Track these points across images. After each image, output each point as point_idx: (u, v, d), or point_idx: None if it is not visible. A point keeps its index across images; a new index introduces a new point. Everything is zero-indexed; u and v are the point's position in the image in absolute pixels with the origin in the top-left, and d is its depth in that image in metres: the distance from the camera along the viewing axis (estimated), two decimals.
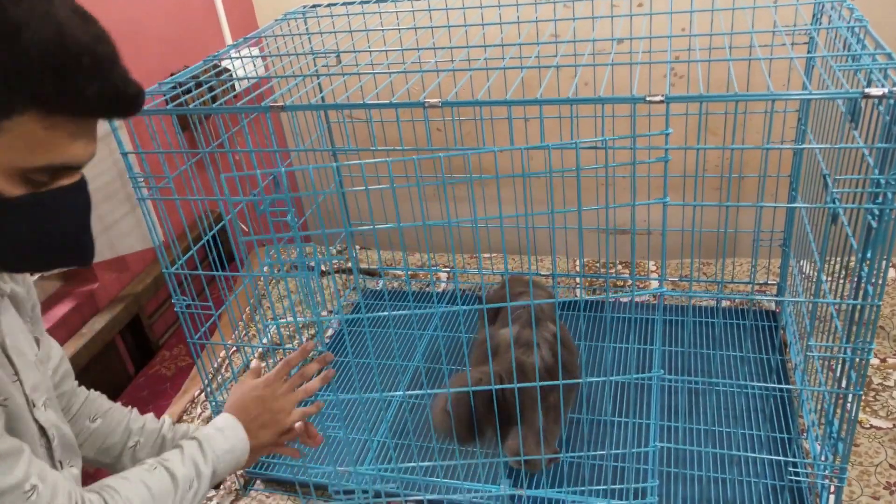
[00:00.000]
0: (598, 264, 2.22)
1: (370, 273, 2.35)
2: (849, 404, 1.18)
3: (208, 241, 1.50)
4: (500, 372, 1.39)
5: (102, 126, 1.74)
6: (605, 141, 0.98)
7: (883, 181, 0.98)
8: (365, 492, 1.47)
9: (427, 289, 2.25)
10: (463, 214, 2.44)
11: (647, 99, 0.97)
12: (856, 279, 1.11)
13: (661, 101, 0.96)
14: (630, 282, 2.12)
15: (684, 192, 1.91)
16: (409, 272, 2.30)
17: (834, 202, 1.26)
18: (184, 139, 2.03)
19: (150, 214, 1.30)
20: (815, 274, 1.44)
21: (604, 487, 1.43)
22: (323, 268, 2.34)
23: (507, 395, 1.36)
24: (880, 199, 1.01)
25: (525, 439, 1.40)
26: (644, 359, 1.81)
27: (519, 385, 1.21)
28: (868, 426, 1.58)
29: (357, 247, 2.42)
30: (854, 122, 1.20)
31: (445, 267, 2.32)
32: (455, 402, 1.35)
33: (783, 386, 1.64)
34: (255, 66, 1.56)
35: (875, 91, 0.90)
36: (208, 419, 1.78)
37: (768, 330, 1.86)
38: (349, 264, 2.38)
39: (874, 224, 1.03)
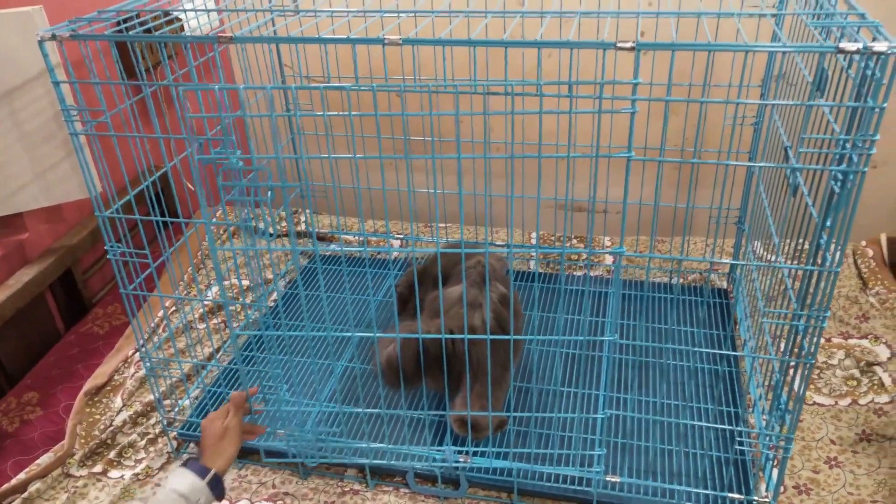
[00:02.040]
0: (553, 238, 2.20)
1: (322, 238, 2.28)
2: (797, 376, 1.18)
3: (150, 193, 1.41)
4: (451, 327, 1.35)
5: (39, 63, 1.63)
6: (571, 86, 0.94)
7: (849, 143, 0.96)
8: (306, 457, 1.41)
9: (381, 256, 2.19)
10: (419, 183, 2.38)
11: (618, 45, 0.93)
12: (814, 247, 1.10)
13: (632, 49, 0.92)
14: (586, 254, 2.10)
15: (644, 167, 1.90)
16: (363, 238, 2.23)
17: (795, 172, 1.25)
18: (129, 88, 1.92)
19: (82, 151, 1.20)
20: (771, 248, 1.43)
21: (550, 451, 1.40)
22: (271, 230, 2.26)
23: (457, 350, 1.33)
24: (844, 164, 0.99)
25: (471, 404, 1.36)
26: (597, 330, 1.79)
27: (469, 336, 1.17)
28: (811, 402, 1.59)
29: (308, 211, 2.34)
30: (820, 91, 1.19)
31: (397, 235, 2.27)
32: (403, 350, 1.31)
33: (733, 353, 1.64)
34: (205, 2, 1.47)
35: (850, 46, 0.87)
36: (142, 380, 1.70)
37: (720, 307, 1.86)
38: (299, 227, 2.30)
39: (837, 189, 1.01)
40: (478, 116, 2.12)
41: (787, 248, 1.30)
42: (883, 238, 2.04)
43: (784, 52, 1.38)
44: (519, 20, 1.30)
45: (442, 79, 1.77)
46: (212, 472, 1.12)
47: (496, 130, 2.27)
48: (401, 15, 1.08)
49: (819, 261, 1.07)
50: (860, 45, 0.88)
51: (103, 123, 1.20)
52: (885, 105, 0.90)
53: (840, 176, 1.00)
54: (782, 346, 1.24)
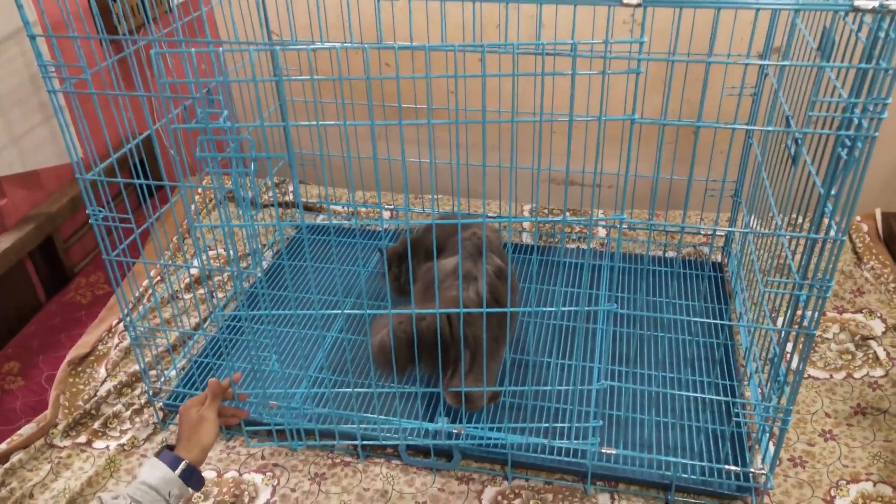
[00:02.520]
0: (546, 210, 2.17)
1: (310, 208, 2.24)
2: (797, 348, 1.16)
3: (133, 159, 1.36)
4: (443, 316, 1.31)
5: (12, 22, 1.56)
6: (574, 45, 0.90)
7: (858, 107, 0.93)
8: (295, 431, 1.38)
9: (373, 227, 2.15)
10: (411, 154, 2.33)
11: (624, 2, 0.89)
12: (818, 216, 1.07)
13: (638, 5, 0.88)
14: (583, 225, 2.08)
15: (640, 141, 1.86)
16: (353, 208, 2.19)
17: (796, 142, 1.22)
18: (109, 49, 1.85)
19: (62, 112, 1.15)
20: (767, 222, 1.41)
21: (545, 425, 1.38)
22: (260, 200, 2.21)
23: (453, 333, 1.30)
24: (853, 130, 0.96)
25: (465, 378, 1.33)
26: (593, 302, 1.77)
27: (465, 311, 1.13)
28: (806, 376, 1.58)
29: (294, 181, 2.29)
30: (825, 57, 1.15)
31: (387, 206, 2.22)
32: (396, 335, 1.28)
33: (733, 324, 1.63)
34: None
35: (865, 4, 0.84)
36: (126, 350, 1.66)
37: (715, 280, 1.84)
38: (286, 198, 2.26)
39: (844, 155, 0.99)
40: (473, 81, 2.07)
41: (785, 221, 1.28)
42: (877, 213, 2.02)
43: (794, 10, 1.33)
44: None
45: (436, 42, 1.71)
46: (183, 464, 1.08)
47: (491, 98, 2.22)
48: None
49: (823, 230, 1.05)
50: (876, 4, 0.84)
51: (83, 81, 1.15)
52: None
53: (848, 142, 0.97)
54: (781, 318, 1.22)
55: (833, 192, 1.04)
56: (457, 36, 1.92)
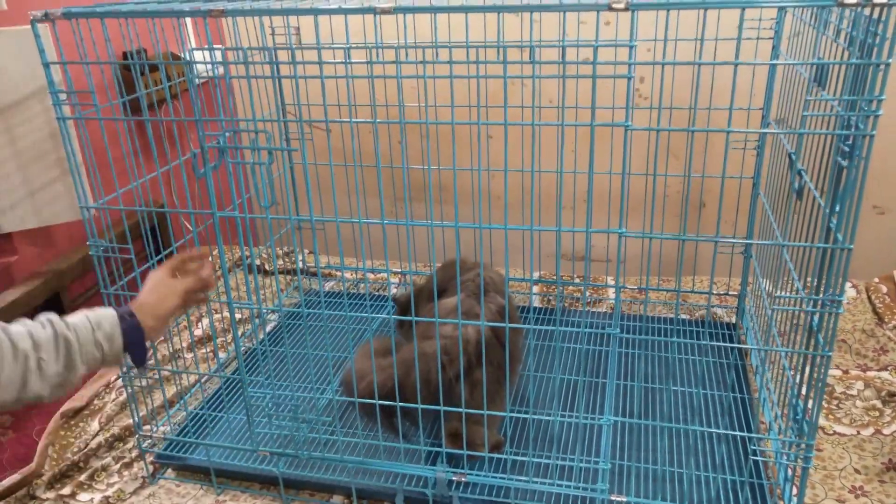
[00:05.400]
0: (553, 277, 2.14)
1: (315, 274, 2.23)
2: (814, 372, 1.10)
3: (145, 227, 1.37)
4: (445, 342, 1.26)
5: (36, 80, 1.64)
6: (563, 46, 0.92)
7: (856, 104, 0.92)
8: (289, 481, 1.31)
9: (379, 292, 2.13)
10: (418, 231, 2.34)
11: (612, 6, 0.91)
12: (824, 231, 1.04)
13: (626, 9, 0.91)
14: (587, 289, 2.04)
15: (644, 211, 1.86)
16: (361, 272, 2.18)
17: (800, 175, 1.21)
18: (133, 127, 1.92)
19: (69, 139, 1.18)
20: (780, 286, 1.38)
21: (550, 462, 1.29)
22: (267, 267, 2.22)
23: (450, 380, 1.25)
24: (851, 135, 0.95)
25: (466, 420, 1.27)
26: (598, 361, 1.71)
27: (463, 322, 1.09)
28: (832, 432, 1.49)
29: (306, 251, 2.30)
30: (819, 84, 1.16)
31: (393, 273, 2.22)
32: (383, 383, 1.24)
33: (743, 347, 1.56)
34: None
35: None
36: (122, 405, 1.61)
37: (728, 339, 1.78)
38: (293, 265, 2.26)
39: (843, 163, 0.97)
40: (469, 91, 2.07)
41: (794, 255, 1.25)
42: (895, 274, 1.98)
43: (780, 9, 1.32)
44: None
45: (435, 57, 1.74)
46: (129, 314, 1.03)
47: (494, 163, 2.26)
48: None
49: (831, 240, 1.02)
50: None
51: (92, 114, 1.19)
52: (889, 61, 0.87)
53: (846, 148, 0.96)
54: (797, 373, 1.16)
55: (837, 209, 1.02)
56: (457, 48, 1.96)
